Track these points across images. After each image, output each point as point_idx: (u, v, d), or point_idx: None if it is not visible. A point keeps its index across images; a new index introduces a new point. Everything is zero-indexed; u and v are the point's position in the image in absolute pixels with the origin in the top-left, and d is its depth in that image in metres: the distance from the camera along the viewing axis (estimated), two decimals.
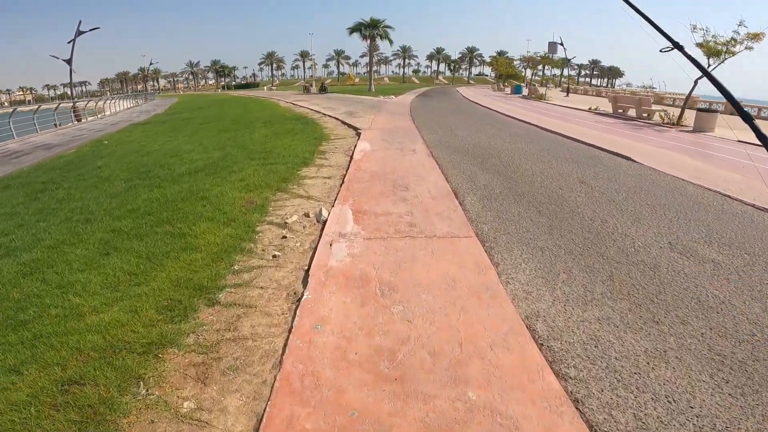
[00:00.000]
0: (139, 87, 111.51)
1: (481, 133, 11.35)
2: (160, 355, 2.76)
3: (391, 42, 45.80)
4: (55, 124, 22.27)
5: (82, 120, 22.82)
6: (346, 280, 3.48)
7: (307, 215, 4.96)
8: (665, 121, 15.22)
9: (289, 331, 2.96)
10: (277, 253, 4.14)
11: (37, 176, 8.31)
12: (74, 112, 23.08)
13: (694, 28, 15.77)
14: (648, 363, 2.64)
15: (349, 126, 12.44)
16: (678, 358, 2.69)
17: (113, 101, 35.87)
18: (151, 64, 60.65)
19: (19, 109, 21.92)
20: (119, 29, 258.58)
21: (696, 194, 6.02)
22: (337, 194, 5.49)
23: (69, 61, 23.90)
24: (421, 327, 2.94)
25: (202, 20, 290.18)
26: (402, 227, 4.41)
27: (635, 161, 7.89)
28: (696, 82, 15.45)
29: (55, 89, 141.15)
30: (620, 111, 18.42)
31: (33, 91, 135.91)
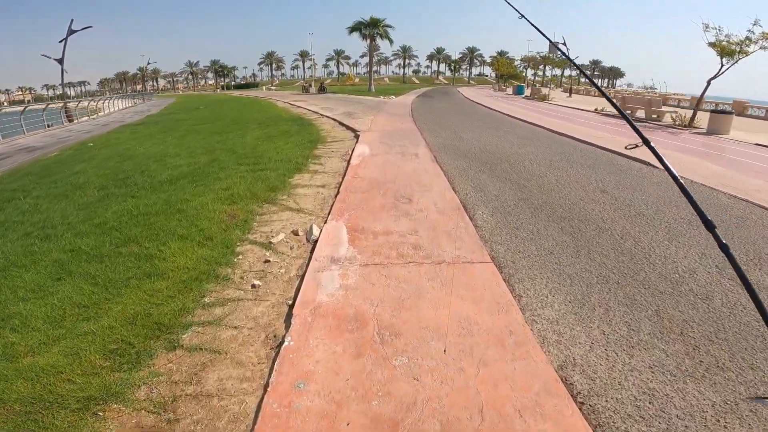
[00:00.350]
0: (139, 87, 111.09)
1: (486, 135, 10.73)
2: (100, 413, 2.20)
3: (391, 41, 45.20)
4: (47, 125, 21.69)
5: (74, 121, 22.21)
6: (337, 322, 2.85)
7: (295, 233, 4.33)
8: (677, 123, 14.61)
9: (265, 389, 2.36)
10: (257, 282, 3.51)
11: (9, 183, 7.70)
12: (66, 112, 22.45)
13: (707, 27, 15.24)
14: (718, 420, 2.12)
15: (347, 128, 11.81)
16: (753, 412, 2.16)
17: (108, 101, 35.27)
18: (148, 63, 59.80)
19: (7, 110, 21.33)
20: (120, 29, 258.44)
21: (730, 205, 5.40)
22: (332, 207, 4.86)
23: (60, 61, 23.26)
24: (431, 387, 2.32)
25: (202, 20, 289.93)
26: (405, 250, 3.78)
27: (656, 167, 7.27)
28: (709, 83, 14.85)
29: (54, 89, 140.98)
30: (628, 112, 17.77)
31: (32, 91, 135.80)
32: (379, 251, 3.75)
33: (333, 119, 13.98)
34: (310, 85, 41.44)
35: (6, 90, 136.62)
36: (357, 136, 9.99)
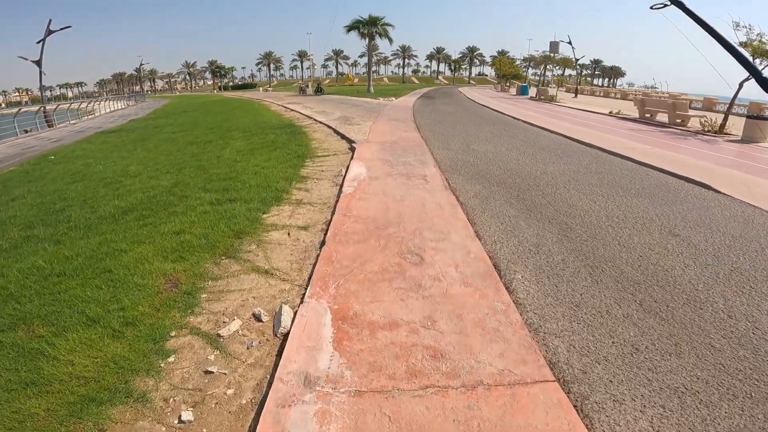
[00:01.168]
0: (137, 88, 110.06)
1: (503, 146, 9.34)
2: None
3: (390, 40, 43.80)
4: (24, 131, 20.39)
5: (53, 126, 20.84)
6: None
7: (257, 317, 2.98)
8: (706, 129, 13.26)
9: None
10: (187, 413, 2.21)
11: None
12: (45, 117, 21.09)
13: (737, 26, 14.02)
14: None
15: (342, 137, 10.44)
16: None
17: (97, 103, 33.90)
18: (141, 64, 58.00)
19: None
20: (119, 30, 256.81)
21: None
22: (313, 269, 3.51)
23: (38, 63, 21.85)
24: None
25: (201, 20, 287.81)
26: (419, 360, 2.44)
27: (719, 191, 5.93)
28: (741, 85, 13.52)
29: (51, 90, 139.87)
30: (647, 116, 16.46)
31: (29, 92, 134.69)
32: (380, 363, 2.41)
33: (327, 126, 12.61)
34: (307, 86, 39.91)
35: (3, 92, 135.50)
36: (353, 149, 8.62)
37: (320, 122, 13.65)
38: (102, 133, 15.10)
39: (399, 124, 13.35)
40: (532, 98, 31.84)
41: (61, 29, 22.06)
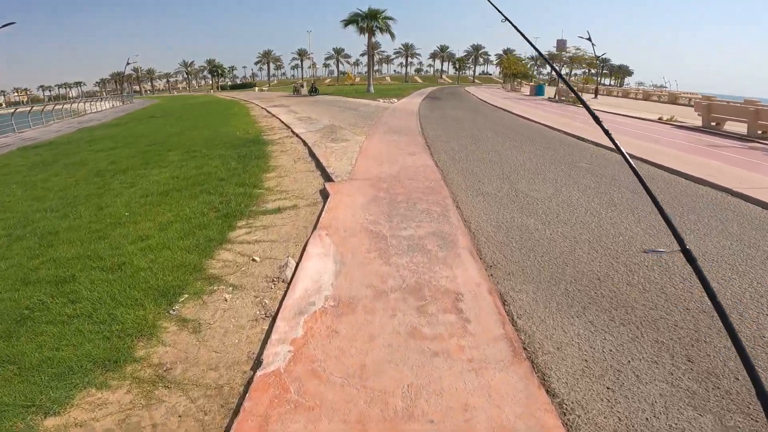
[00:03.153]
0: (136, 88, 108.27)
1: (571, 188, 5.78)
2: None
3: (392, 36, 40.40)
4: None
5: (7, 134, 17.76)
6: None
7: None
8: None
9: None
10: None
11: None
12: None
13: None
14: None
15: (318, 164, 7.19)
16: None
17: (79, 104, 31.22)
18: (128, 63, 54.50)
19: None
20: (120, 29, 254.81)
21: None
22: None
23: None
24: None
25: (204, 19, 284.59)
26: None
27: None
28: None
29: (50, 89, 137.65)
30: (713, 124, 13.14)
31: (28, 92, 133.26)
32: None
33: (304, 142, 9.38)
34: (302, 86, 36.71)
35: (1, 92, 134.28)
36: (325, 196, 5.36)
37: (297, 135, 10.41)
38: (22, 148, 11.90)
39: (401, 139, 10.06)
40: (550, 99, 28.47)
41: (4, 26, 18.99)
